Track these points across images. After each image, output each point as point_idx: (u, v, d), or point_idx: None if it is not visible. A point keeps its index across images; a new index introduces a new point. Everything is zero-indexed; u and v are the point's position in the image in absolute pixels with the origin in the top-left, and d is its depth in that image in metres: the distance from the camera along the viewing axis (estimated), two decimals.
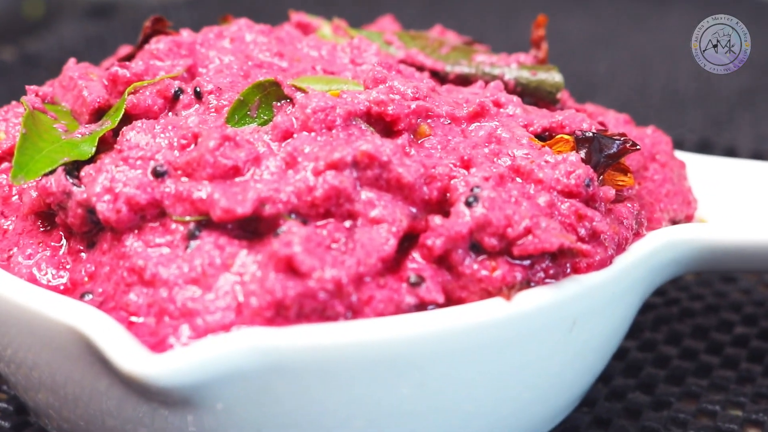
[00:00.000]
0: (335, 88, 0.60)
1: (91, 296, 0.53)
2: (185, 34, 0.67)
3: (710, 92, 1.23)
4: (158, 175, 0.53)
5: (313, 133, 0.54)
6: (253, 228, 0.52)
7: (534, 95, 0.68)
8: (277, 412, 0.50)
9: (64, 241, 0.56)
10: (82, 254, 0.55)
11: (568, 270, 0.53)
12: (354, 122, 0.55)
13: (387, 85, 0.58)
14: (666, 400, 0.65)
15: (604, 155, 0.58)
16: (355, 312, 0.50)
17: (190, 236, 0.51)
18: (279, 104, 0.58)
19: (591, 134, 0.58)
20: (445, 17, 1.12)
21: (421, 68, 0.70)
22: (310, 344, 0.48)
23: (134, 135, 0.55)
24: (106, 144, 0.58)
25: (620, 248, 0.56)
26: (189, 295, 0.50)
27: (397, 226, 0.52)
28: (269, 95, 0.57)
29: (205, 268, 0.50)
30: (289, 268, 0.48)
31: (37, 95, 0.63)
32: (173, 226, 0.52)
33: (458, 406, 0.52)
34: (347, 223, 0.51)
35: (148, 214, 0.52)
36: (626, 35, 1.44)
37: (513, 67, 0.69)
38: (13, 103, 0.66)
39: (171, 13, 1.62)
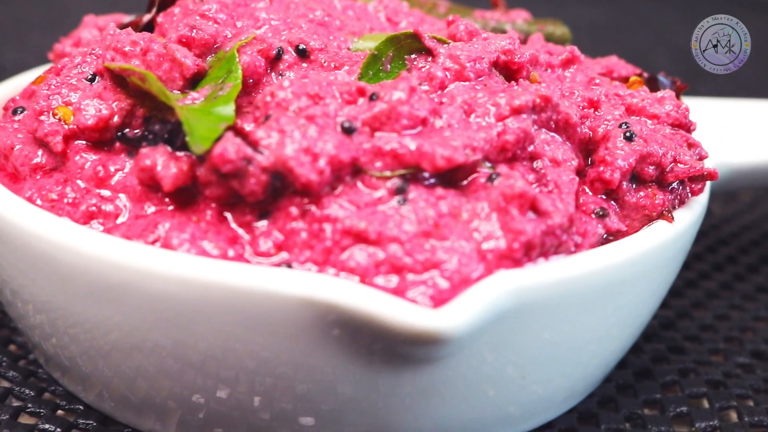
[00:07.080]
0: None
1: (297, 266, 0.49)
2: None
3: None
4: (349, 131, 0.50)
5: (467, 83, 0.55)
6: (447, 178, 0.52)
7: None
8: (519, 349, 0.51)
9: (227, 214, 0.51)
10: (258, 224, 0.50)
11: (689, 193, 0.59)
12: (493, 71, 0.57)
13: (482, 36, 0.60)
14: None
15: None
16: (577, 246, 0.52)
17: (399, 191, 0.50)
18: (412, 57, 0.57)
19: (653, 76, 0.65)
20: None
21: None
22: (558, 279, 0.49)
23: (288, 94, 0.52)
24: None
25: None
26: (428, 247, 0.48)
27: (573, 163, 0.54)
28: (402, 48, 0.57)
29: (436, 220, 0.49)
30: (532, 209, 0.49)
31: (115, 59, 0.56)
32: (374, 182, 0.50)
33: (633, 323, 0.57)
34: (536, 164, 0.53)
35: (343, 174, 0.50)
36: None
37: (519, 23, 0.73)
38: (50, 76, 0.58)
39: None
